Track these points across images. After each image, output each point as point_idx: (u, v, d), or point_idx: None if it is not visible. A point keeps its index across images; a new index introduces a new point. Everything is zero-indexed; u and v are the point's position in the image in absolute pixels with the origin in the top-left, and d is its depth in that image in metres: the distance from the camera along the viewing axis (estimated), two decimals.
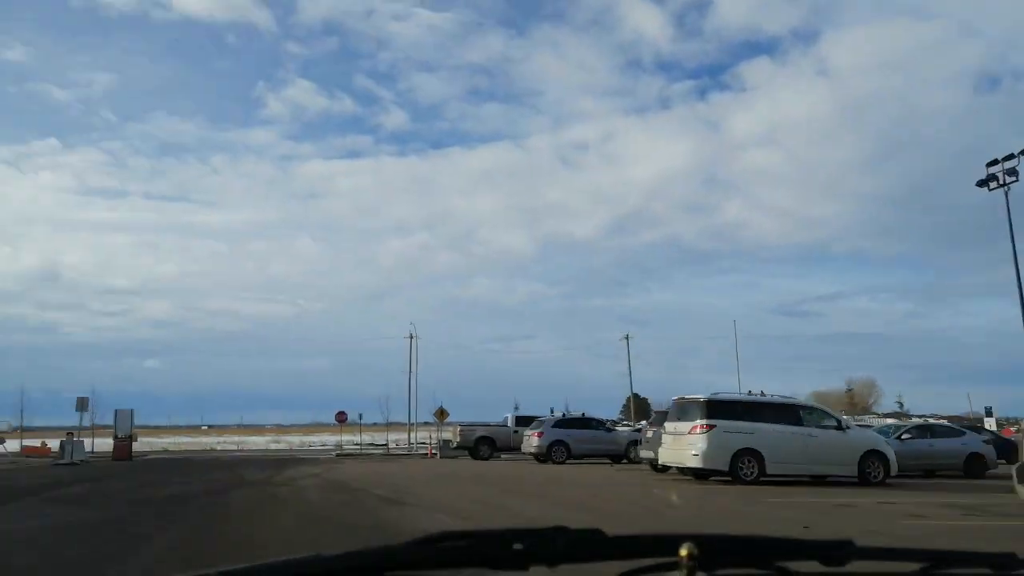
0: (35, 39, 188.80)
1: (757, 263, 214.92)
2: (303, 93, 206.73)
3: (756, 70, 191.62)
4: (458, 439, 34.65)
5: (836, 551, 1.39)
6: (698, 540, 1.30)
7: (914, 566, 1.44)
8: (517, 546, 1.31)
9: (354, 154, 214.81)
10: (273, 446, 64.22)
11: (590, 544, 1.35)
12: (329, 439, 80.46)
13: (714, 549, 1.34)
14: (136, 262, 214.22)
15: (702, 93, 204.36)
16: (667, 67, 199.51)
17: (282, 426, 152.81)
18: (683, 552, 1.29)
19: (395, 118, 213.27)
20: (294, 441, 71.11)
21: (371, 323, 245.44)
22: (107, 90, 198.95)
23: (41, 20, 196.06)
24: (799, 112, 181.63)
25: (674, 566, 1.30)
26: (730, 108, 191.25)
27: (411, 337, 63.29)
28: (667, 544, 1.32)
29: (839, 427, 19.13)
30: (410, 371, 62.87)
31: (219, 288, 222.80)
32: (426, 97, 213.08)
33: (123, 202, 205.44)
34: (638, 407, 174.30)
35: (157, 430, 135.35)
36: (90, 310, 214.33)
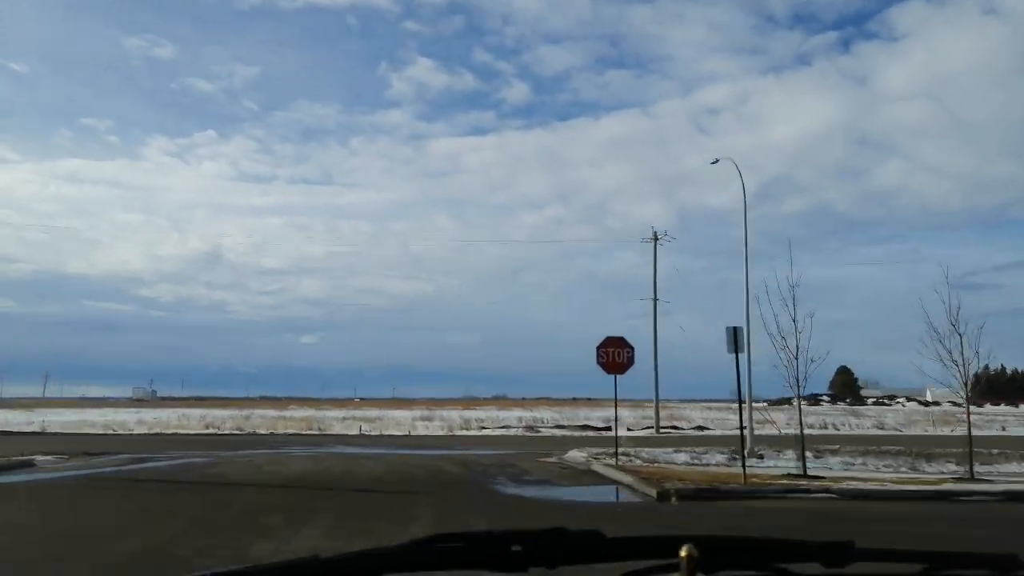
0: (179, 35, 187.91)
1: (921, 231, 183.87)
2: (424, 71, 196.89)
3: (908, 14, 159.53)
4: None
5: (836, 552, 1.36)
6: (698, 541, 1.27)
7: (915, 567, 1.40)
8: (516, 548, 1.27)
9: (479, 130, 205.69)
10: (422, 427, 39.41)
11: (589, 545, 1.32)
12: (502, 415, 55.90)
13: (714, 550, 1.30)
14: (288, 243, 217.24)
15: (846, 45, 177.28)
16: (803, 19, 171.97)
17: (435, 400, 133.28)
18: (683, 553, 1.25)
19: (517, 92, 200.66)
20: (453, 419, 46.23)
21: (510, 298, 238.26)
22: (250, 80, 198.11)
23: (180, 16, 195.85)
24: (964, 59, 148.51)
25: (674, 567, 1.26)
26: (880, 59, 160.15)
27: (655, 238, 36.84)
28: (667, 545, 1.28)
29: None
30: (655, 296, 36.29)
31: (365, 266, 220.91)
32: (547, 69, 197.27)
33: (273, 187, 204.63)
34: (845, 383, 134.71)
35: (308, 402, 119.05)
36: (250, 290, 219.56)
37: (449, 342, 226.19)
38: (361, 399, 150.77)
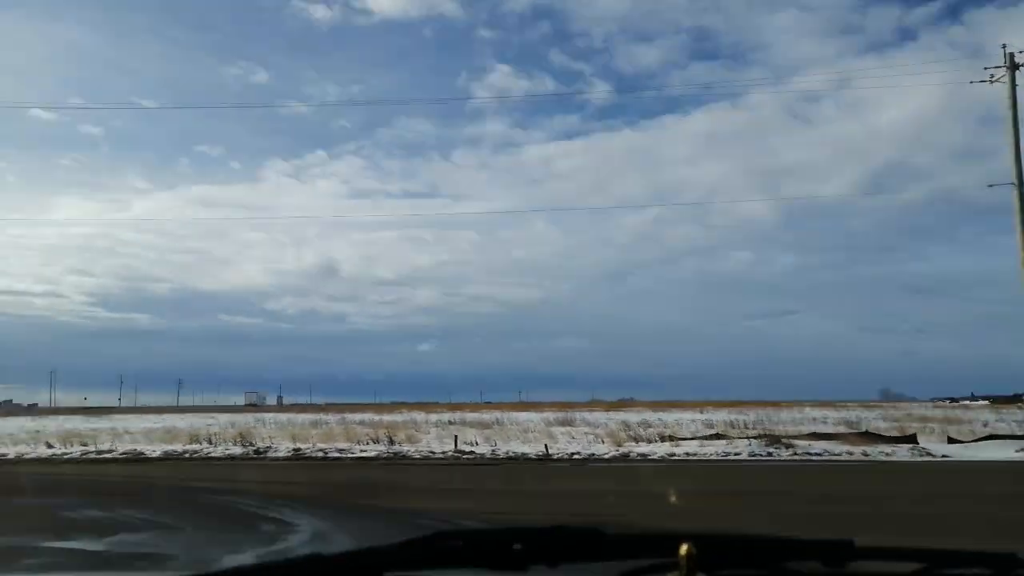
0: (270, 61, 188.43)
1: None
2: (504, 78, 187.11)
3: None
4: None
5: (836, 551, 1.32)
6: (698, 540, 1.23)
7: (914, 566, 1.34)
8: (516, 546, 1.24)
9: (567, 134, 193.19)
10: (564, 438, 22.42)
11: (590, 544, 1.29)
12: (668, 418, 38.52)
13: (714, 549, 1.26)
14: (400, 255, 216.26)
15: (954, 14, 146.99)
16: None
17: (565, 403, 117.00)
18: (682, 551, 1.20)
19: (600, 92, 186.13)
20: (607, 424, 28.96)
21: (618, 301, 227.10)
22: (346, 100, 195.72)
23: (266, 42, 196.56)
24: None
25: (674, 566, 1.22)
26: (998, 24, 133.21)
27: (1011, 64, 18.44)
28: (667, 544, 1.24)
29: None
30: (1018, 176, 17.77)
31: (475, 275, 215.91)
32: (629, 66, 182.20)
33: (383, 202, 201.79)
34: None
35: (434, 406, 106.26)
36: (368, 301, 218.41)
37: (563, 346, 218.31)
38: (487, 403, 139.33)
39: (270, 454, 17.04)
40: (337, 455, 16.69)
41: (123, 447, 18.61)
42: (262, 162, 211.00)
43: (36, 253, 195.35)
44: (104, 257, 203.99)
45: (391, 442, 19.79)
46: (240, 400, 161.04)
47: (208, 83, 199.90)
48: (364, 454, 16.90)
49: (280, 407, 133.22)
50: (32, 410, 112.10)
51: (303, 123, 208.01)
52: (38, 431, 30.32)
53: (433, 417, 44.22)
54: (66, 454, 17.24)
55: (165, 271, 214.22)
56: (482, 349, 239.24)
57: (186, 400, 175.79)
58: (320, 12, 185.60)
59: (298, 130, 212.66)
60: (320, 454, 16.77)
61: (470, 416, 45.97)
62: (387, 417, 43.51)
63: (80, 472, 14.37)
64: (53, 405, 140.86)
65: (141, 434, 26.62)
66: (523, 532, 1.26)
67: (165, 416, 57.59)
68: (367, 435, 20.98)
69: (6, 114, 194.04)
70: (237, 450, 17.46)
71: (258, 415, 52.25)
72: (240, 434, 22.20)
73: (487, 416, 44.36)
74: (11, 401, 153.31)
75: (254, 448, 17.69)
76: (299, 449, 17.58)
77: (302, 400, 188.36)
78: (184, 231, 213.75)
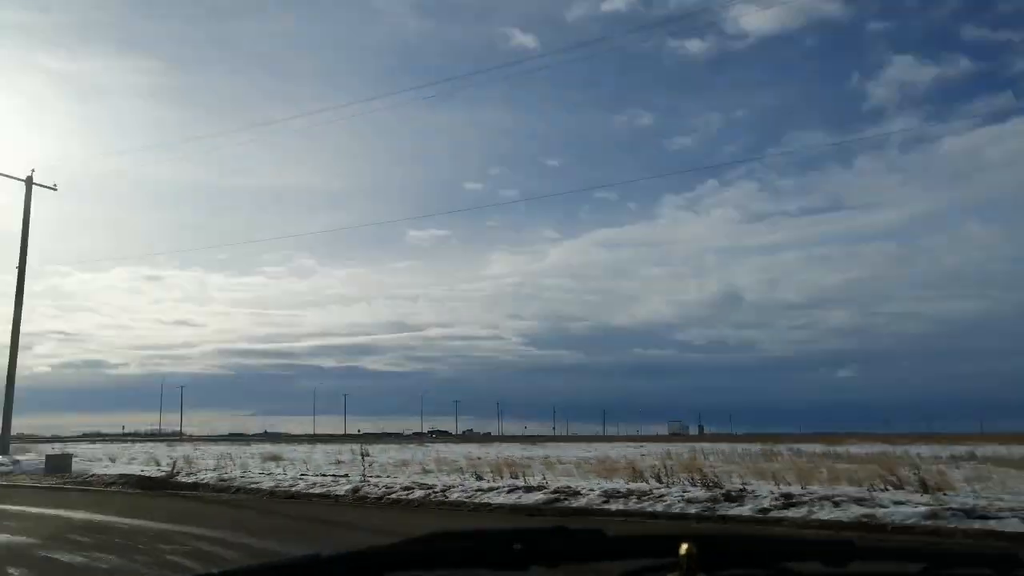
0: (652, 103, 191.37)
1: None
2: (905, 69, 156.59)
3: None
4: None
5: (837, 551, 1.29)
6: (698, 540, 1.20)
7: (915, 566, 1.31)
8: (516, 546, 1.21)
9: (995, 117, 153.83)
10: None
11: (590, 544, 1.27)
12: None
13: (714, 549, 1.23)
14: (806, 276, 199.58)
15: None
16: None
17: None
18: (683, 551, 1.18)
19: None
20: None
21: None
22: (731, 125, 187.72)
23: (649, 87, 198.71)
24: None
25: (674, 566, 1.19)
26: None
27: None
28: (668, 543, 1.21)
29: None
30: None
31: (896, 290, 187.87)
32: None
33: (781, 222, 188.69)
34: None
35: (880, 438, 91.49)
36: (776, 326, 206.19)
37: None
38: (936, 434, 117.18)
39: (747, 502, 11.48)
40: (861, 511, 10.36)
41: (554, 482, 14.92)
42: (656, 199, 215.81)
43: (479, 303, 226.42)
44: (530, 302, 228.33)
45: (925, 488, 12.68)
46: (662, 430, 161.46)
47: (600, 134, 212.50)
48: (904, 509, 10.30)
49: (701, 436, 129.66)
50: (486, 438, 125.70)
51: (691, 155, 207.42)
52: (479, 458, 29.65)
53: (910, 450, 34.50)
54: (492, 488, 14.08)
55: (581, 310, 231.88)
56: (915, 373, 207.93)
57: (611, 430, 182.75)
58: (695, 46, 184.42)
59: (687, 163, 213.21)
60: (830, 506, 10.67)
61: (958, 449, 35.07)
62: (839, 449, 35.29)
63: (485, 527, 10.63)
64: (501, 434, 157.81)
65: (573, 464, 23.60)
66: (523, 532, 1.23)
67: (594, 445, 56.82)
68: (877, 475, 14.08)
69: (447, 191, 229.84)
70: (698, 492, 12.32)
71: (688, 444, 47.78)
72: (688, 468, 17.22)
73: (987, 450, 33.13)
74: (472, 430, 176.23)
75: (722, 491, 12.33)
76: (790, 496, 11.70)
77: (723, 430, 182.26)
78: (592, 272, 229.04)
